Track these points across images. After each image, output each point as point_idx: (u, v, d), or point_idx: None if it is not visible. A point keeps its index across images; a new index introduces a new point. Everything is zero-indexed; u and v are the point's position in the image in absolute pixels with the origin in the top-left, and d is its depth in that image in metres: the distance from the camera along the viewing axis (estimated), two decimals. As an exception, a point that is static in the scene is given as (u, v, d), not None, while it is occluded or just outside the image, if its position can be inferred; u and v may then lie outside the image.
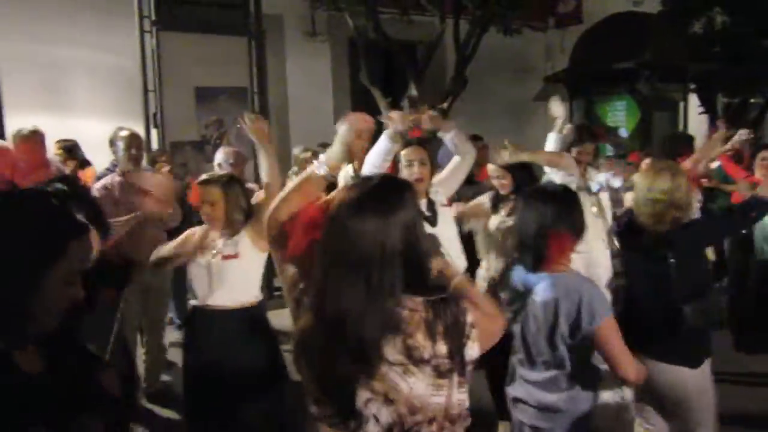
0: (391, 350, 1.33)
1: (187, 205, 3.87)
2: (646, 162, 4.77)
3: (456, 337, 1.35)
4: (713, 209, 5.04)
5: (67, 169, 4.80)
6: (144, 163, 4.50)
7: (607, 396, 2.63)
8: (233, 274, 2.95)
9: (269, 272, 5.60)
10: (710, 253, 4.05)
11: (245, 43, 6.48)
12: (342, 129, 1.75)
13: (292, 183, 1.72)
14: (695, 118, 10.28)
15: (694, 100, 10.40)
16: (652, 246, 2.63)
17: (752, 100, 10.52)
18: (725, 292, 5.15)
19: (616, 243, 3.30)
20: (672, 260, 2.55)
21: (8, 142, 4.24)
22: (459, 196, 3.83)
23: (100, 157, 4.91)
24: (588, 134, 4.01)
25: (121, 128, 4.28)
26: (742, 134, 4.44)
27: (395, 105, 7.72)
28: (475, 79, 8.39)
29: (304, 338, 1.39)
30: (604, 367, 2.20)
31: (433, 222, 3.23)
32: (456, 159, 3.41)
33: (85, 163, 5.20)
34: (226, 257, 2.94)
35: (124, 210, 3.94)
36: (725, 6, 9.62)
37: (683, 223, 2.63)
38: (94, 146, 5.08)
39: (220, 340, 2.93)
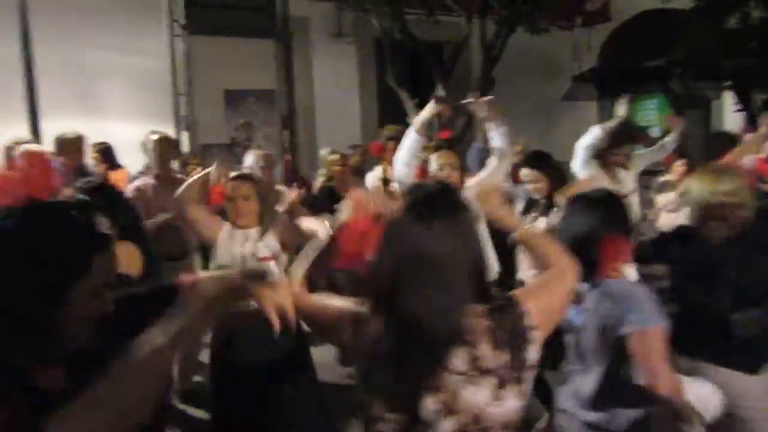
0: (457, 360, 1.33)
1: None
2: (680, 162, 4.68)
3: (517, 344, 1.35)
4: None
5: (100, 171, 4.89)
6: (175, 165, 4.56)
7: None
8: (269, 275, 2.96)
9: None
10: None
11: (272, 45, 6.54)
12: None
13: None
14: (730, 116, 10.06)
15: (728, 97, 10.18)
16: (710, 252, 2.50)
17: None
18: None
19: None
20: (729, 266, 2.44)
21: (45, 147, 4.32)
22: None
23: (132, 159, 4.99)
24: (628, 136, 3.95)
25: (153, 132, 4.34)
26: None
27: (422, 106, 7.67)
28: (502, 80, 8.33)
29: (373, 345, 1.39)
30: None
31: None
32: (493, 161, 3.36)
33: (117, 166, 5.29)
34: (263, 259, 2.96)
35: (157, 211, 4.02)
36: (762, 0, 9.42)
37: (744, 229, 2.49)
38: (126, 149, 5.17)
39: (252, 340, 2.94)
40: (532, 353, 1.37)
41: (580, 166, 3.78)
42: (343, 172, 5.12)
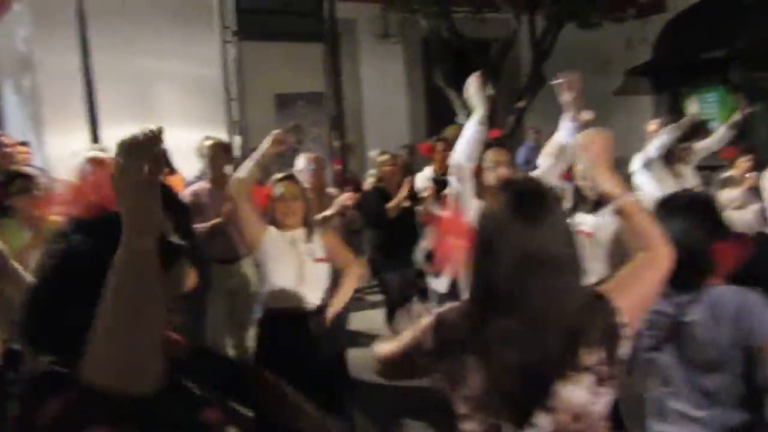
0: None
1: None
2: (746, 158, 4.49)
3: (611, 340, 1.34)
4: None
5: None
6: (229, 170, 4.63)
7: None
8: (321, 276, 2.98)
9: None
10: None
11: (321, 48, 6.59)
12: None
13: None
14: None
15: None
16: None
17: None
18: None
19: None
20: None
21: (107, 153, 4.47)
22: None
23: (187, 164, 5.10)
24: (697, 132, 3.83)
25: (207, 137, 4.43)
26: None
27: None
28: (552, 76, 8.16)
29: (485, 342, 1.36)
30: None
31: None
32: (549, 160, 3.27)
33: (173, 171, 5.42)
34: (319, 260, 2.97)
35: (212, 215, 4.10)
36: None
37: None
38: (181, 154, 5.28)
39: (300, 340, 2.93)
40: (624, 349, 1.37)
41: (644, 164, 3.66)
42: (393, 173, 5.10)
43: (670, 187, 3.63)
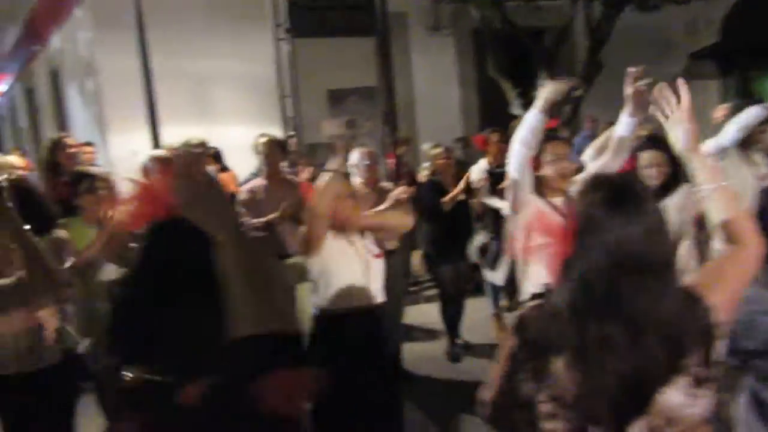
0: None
1: None
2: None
3: (707, 340, 1.29)
4: None
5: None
6: (284, 166, 4.68)
7: None
8: (379, 272, 2.98)
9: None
10: None
11: (372, 43, 6.58)
12: None
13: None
14: None
15: None
16: None
17: None
18: None
19: None
20: None
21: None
22: None
23: (243, 161, 5.18)
24: None
25: (262, 134, 4.48)
26: None
27: (525, 95, 7.47)
28: (609, 63, 7.90)
29: (580, 346, 1.32)
30: None
31: None
32: (606, 155, 3.16)
33: (225, 169, 5.53)
34: (377, 256, 2.96)
35: (268, 211, 4.15)
36: None
37: None
38: (237, 151, 5.38)
39: (365, 338, 2.93)
40: (719, 348, 1.31)
41: (717, 152, 3.48)
42: (447, 166, 5.05)
43: (746, 176, 3.45)
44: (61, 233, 2.91)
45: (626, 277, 1.27)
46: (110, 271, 3.51)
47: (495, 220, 5.23)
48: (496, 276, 5.28)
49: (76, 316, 3.63)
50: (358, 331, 2.93)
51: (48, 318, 3.31)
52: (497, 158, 4.85)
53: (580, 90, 7.44)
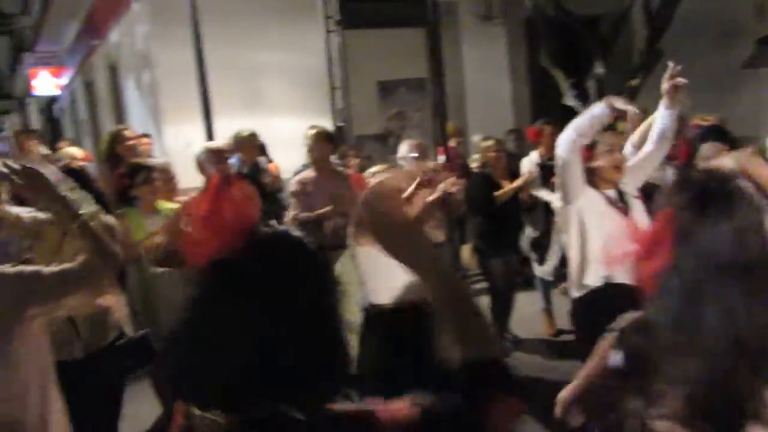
0: None
1: None
2: None
3: None
4: None
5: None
6: (334, 157, 4.70)
7: None
8: None
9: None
10: None
11: (422, 34, 6.52)
12: None
13: None
14: None
15: None
16: None
17: None
18: None
19: None
20: None
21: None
22: None
23: (293, 153, 5.23)
24: None
25: (312, 126, 4.51)
26: None
27: (579, 85, 7.28)
28: (670, 50, 7.61)
29: (682, 361, 1.26)
30: None
31: (626, 213, 2.95)
32: (649, 147, 3.08)
33: (269, 161, 5.61)
34: None
35: (318, 203, 4.18)
36: None
37: None
38: (287, 143, 5.43)
39: (420, 332, 2.90)
40: None
41: None
42: (498, 159, 4.96)
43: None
44: (109, 218, 3.00)
45: (726, 282, 1.19)
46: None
47: (545, 214, 5.13)
48: (545, 270, 5.20)
49: (130, 303, 3.75)
50: (408, 327, 2.92)
51: (113, 301, 3.44)
52: (549, 151, 4.74)
53: (637, 80, 7.20)
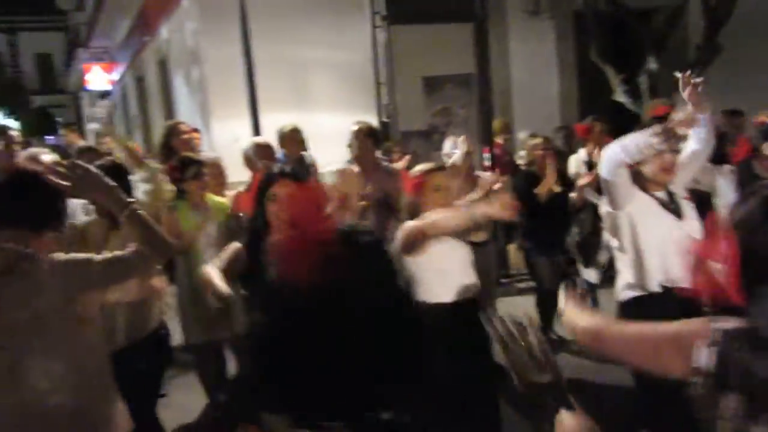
0: None
1: None
2: None
3: None
4: None
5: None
6: (378, 153, 4.68)
7: None
8: (473, 264, 2.96)
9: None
10: None
11: (469, 29, 6.44)
12: None
13: None
14: None
15: None
16: None
17: None
18: None
19: None
20: None
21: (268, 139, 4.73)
22: None
23: (338, 149, 5.24)
24: None
25: (357, 122, 4.50)
26: None
27: (630, 81, 7.08)
28: (729, 46, 7.32)
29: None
30: None
31: (678, 214, 2.89)
32: (694, 147, 2.98)
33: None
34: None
35: (362, 199, 4.17)
36: None
37: None
38: (332, 139, 5.44)
39: (470, 331, 2.87)
40: None
41: None
42: (545, 156, 4.86)
43: None
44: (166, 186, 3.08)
45: None
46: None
47: (593, 215, 5.01)
48: (590, 273, 5.08)
49: (179, 294, 3.83)
50: (459, 324, 2.90)
51: (160, 287, 3.51)
52: (598, 148, 4.63)
53: (694, 75, 6.95)
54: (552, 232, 4.88)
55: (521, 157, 5.48)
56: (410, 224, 2.80)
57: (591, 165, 4.82)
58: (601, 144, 4.58)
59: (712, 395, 1.23)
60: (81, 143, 6.37)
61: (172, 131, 4.58)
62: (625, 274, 2.97)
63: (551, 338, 4.94)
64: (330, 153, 5.60)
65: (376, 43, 6.27)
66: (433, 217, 2.75)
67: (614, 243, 3.05)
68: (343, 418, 0.96)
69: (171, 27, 8.96)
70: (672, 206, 2.89)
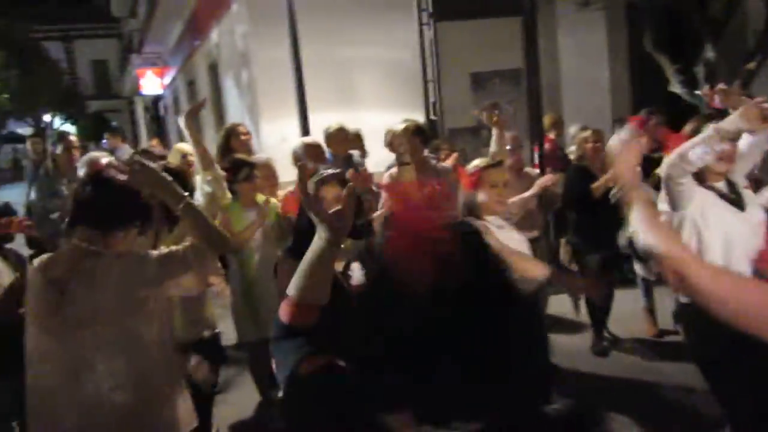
0: None
1: None
2: None
3: None
4: None
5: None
6: (426, 151, 4.67)
7: None
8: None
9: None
10: None
11: (517, 23, 6.35)
12: None
13: None
14: None
15: None
16: None
17: None
18: None
19: None
20: None
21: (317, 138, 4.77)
22: None
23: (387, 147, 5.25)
24: None
25: (405, 120, 4.49)
26: None
27: (686, 71, 6.84)
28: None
29: None
30: None
31: (740, 205, 2.81)
32: (749, 137, 2.86)
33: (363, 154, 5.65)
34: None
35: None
36: None
37: None
38: (381, 137, 5.45)
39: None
40: None
41: None
42: (596, 150, 4.75)
43: None
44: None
45: None
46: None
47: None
48: (646, 269, 4.94)
49: (232, 293, 3.90)
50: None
51: (218, 283, 3.59)
52: (652, 142, 4.50)
53: (754, 63, 6.67)
54: (602, 228, 4.76)
55: (572, 152, 5.36)
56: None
57: (645, 159, 4.68)
58: (655, 138, 4.45)
59: None
60: (125, 147, 6.49)
61: (232, 132, 4.66)
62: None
63: (604, 337, 4.84)
64: (378, 152, 5.62)
65: (423, 40, 6.25)
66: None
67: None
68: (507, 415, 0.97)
69: (221, 30, 9.15)
70: (733, 197, 2.82)
